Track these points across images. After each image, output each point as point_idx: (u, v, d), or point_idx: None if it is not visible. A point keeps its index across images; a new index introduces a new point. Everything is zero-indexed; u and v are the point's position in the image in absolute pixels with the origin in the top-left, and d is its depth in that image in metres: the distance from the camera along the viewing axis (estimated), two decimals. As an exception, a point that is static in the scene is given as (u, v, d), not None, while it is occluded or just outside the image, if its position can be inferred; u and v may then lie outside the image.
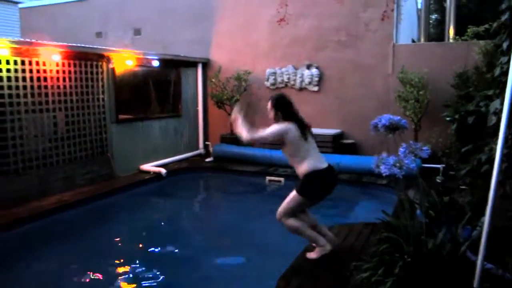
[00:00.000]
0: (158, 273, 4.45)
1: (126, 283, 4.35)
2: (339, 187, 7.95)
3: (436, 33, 15.65)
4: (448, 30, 10.60)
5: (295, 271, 3.97)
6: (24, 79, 6.40)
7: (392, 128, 3.15)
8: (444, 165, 7.40)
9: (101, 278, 4.45)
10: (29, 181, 6.55)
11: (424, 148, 2.94)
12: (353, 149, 8.97)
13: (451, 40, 9.92)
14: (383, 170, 2.81)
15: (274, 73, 9.90)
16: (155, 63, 8.99)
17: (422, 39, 11.29)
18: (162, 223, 6.34)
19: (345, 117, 9.31)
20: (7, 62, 6.17)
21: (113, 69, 7.98)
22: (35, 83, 6.57)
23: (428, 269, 2.96)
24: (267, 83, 9.99)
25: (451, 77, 7.45)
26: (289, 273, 3.92)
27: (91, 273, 4.50)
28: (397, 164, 2.73)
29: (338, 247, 4.50)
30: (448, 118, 6.06)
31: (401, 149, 2.92)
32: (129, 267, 4.70)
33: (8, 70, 6.18)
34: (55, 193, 6.82)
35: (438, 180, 7.34)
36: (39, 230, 5.72)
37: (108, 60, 7.87)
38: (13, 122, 6.30)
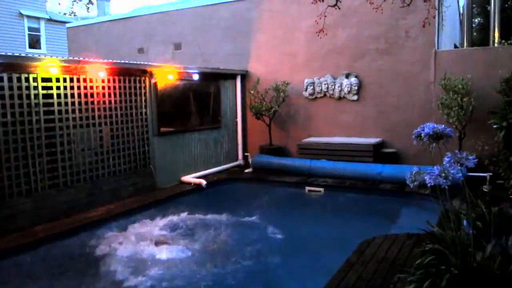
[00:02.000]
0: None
1: None
2: (381, 197, 7.88)
3: (479, 38, 15.18)
4: (493, 34, 10.26)
5: (338, 283, 3.92)
6: (72, 95, 6.71)
7: (436, 137, 3.07)
8: (491, 174, 7.13)
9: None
10: (77, 193, 6.82)
11: (470, 157, 2.85)
12: (395, 158, 8.79)
13: (496, 45, 9.61)
14: (428, 180, 2.75)
15: (313, 83, 9.89)
16: (195, 77, 9.19)
17: (465, 44, 10.98)
18: (206, 233, 6.39)
19: (386, 125, 9.16)
20: (57, 80, 6.48)
21: (155, 84, 8.22)
22: (82, 99, 6.87)
23: (477, 283, 2.86)
24: (306, 93, 9.99)
25: (497, 83, 7.20)
26: (332, 284, 3.88)
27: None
28: (443, 174, 2.67)
29: (382, 258, 4.42)
30: (495, 126, 5.85)
31: (446, 159, 2.85)
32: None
33: (58, 88, 6.50)
34: (102, 204, 7.06)
35: (485, 190, 7.07)
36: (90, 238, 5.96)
37: (151, 75, 8.12)
38: (62, 137, 6.59)
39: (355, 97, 9.44)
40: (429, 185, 2.76)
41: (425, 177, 2.75)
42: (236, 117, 10.68)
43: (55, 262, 5.30)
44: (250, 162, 10.14)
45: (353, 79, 9.40)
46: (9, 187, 5.91)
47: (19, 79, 5.98)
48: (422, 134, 3.22)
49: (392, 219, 6.63)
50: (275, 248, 5.67)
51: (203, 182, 8.53)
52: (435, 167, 2.74)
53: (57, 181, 6.54)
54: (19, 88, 5.99)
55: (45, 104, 6.32)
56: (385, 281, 3.91)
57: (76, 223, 6.27)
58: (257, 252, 5.41)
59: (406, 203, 7.30)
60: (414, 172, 3.12)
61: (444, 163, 2.79)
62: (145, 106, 8.05)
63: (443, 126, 3.20)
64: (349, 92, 9.47)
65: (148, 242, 5.62)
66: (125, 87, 7.61)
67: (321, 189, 8.25)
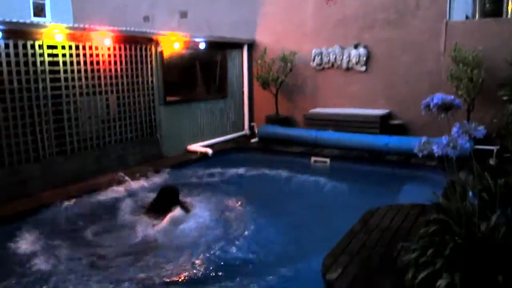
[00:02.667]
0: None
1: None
2: (387, 169, 7.89)
3: (492, 9, 14.82)
4: (506, 6, 10.01)
5: (342, 250, 3.98)
6: (78, 63, 6.68)
7: (445, 107, 3.04)
8: (498, 147, 7.09)
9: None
10: (85, 161, 6.88)
11: (479, 128, 2.83)
12: (402, 130, 8.75)
13: (509, 16, 9.38)
14: (435, 150, 2.73)
15: (320, 53, 9.76)
16: (202, 46, 9.09)
17: (477, 15, 10.74)
18: (210, 200, 6.45)
19: (394, 97, 9.08)
20: (63, 47, 6.44)
21: (161, 52, 8.15)
22: (88, 67, 6.84)
23: (481, 252, 2.89)
24: (313, 64, 9.87)
25: (509, 55, 7.06)
26: (336, 251, 3.94)
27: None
28: (451, 144, 2.65)
29: (386, 227, 4.47)
30: (505, 98, 5.78)
31: (454, 129, 2.83)
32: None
33: (63, 55, 6.46)
34: (109, 171, 7.13)
35: (492, 163, 7.04)
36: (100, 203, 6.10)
37: (157, 44, 8.04)
38: (69, 105, 6.61)
39: (363, 68, 9.33)
40: (436, 154, 2.75)
41: (433, 147, 2.73)
42: (242, 87, 10.62)
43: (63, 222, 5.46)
44: (256, 132, 10.15)
45: (361, 50, 9.27)
46: (17, 154, 5.97)
47: (24, 46, 5.95)
48: (431, 105, 3.19)
49: (397, 190, 6.65)
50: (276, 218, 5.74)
51: (209, 151, 8.58)
52: (444, 137, 2.73)
53: (64, 148, 6.60)
54: (25, 55, 5.97)
55: (51, 72, 6.31)
56: (388, 249, 3.96)
57: (85, 189, 6.35)
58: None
59: (412, 175, 7.31)
60: (423, 141, 3.10)
61: (452, 133, 2.77)
62: (151, 75, 8.01)
63: (452, 97, 3.17)
64: (357, 63, 9.35)
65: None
66: (131, 55, 7.55)
67: (327, 160, 8.27)
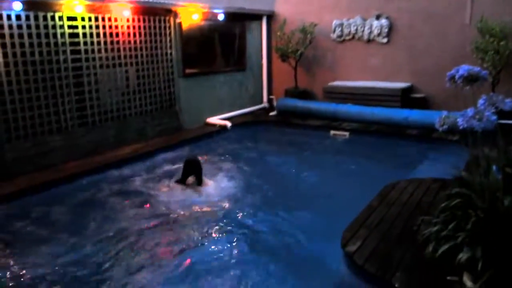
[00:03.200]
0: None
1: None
2: (407, 142, 7.81)
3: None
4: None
5: (361, 223, 3.99)
6: (98, 35, 6.68)
7: (471, 79, 2.96)
8: (523, 121, 6.91)
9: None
10: (105, 132, 6.97)
11: (507, 100, 2.75)
12: (423, 103, 8.59)
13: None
14: (460, 122, 2.67)
15: (341, 25, 9.56)
16: (220, 17, 8.98)
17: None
18: (228, 173, 6.51)
19: (416, 70, 8.88)
20: (82, 19, 6.44)
21: (180, 24, 8.09)
22: (108, 39, 6.84)
23: (503, 226, 2.86)
24: (333, 35, 9.69)
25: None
26: (355, 225, 3.94)
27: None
28: (477, 116, 2.59)
29: (406, 201, 4.44)
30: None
31: (480, 101, 2.75)
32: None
33: (83, 27, 6.47)
34: (129, 143, 7.22)
35: (516, 137, 6.89)
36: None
37: (176, 15, 7.97)
38: (89, 77, 6.65)
39: (385, 40, 9.12)
40: (461, 127, 2.69)
41: (458, 119, 2.68)
42: (261, 60, 10.51)
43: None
44: (275, 105, 10.10)
45: (383, 21, 9.04)
46: (40, 125, 6.07)
47: (45, 18, 5.96)
48: (456, 76, 3.11)
49: (417, 164, 6.59)
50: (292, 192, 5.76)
51: (228, 124, 8.59)
52: (469, 109, 2.66)
53: (85, 120, 6.68)
54: (45, 26, 5.98)
55: (71, 44, 6.34)
56: (408, 223, 3.95)
57: (107, 160, 6.47)
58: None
59: (433, 149, 7.20)
60: (443, 115, 3.04)
61: (478, 105, 2.70)
62: (170, 47, 7.98)
63: (478, 68, 3.08)
64: (378, 34, 9.14)
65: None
66: (150, 27, 7.52)
67: (346, 133, 8.21)
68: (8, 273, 3.73)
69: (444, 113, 2.97)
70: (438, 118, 3.01)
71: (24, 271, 3.75)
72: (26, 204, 5.12)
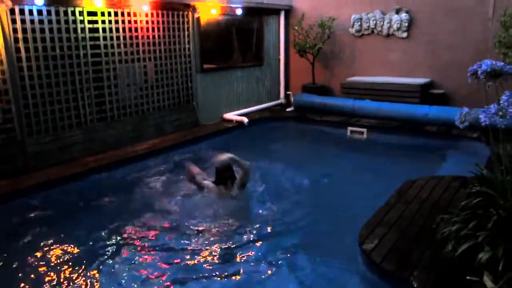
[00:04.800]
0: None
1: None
2: (426, 140, 7.70)
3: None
4: None
5: (379, 221, 3.94)
6: (117, 30, 6.74)
7: (494, 74, 2.89)
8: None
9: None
10: (124, 127, 7.04)
11: (531, 96, 2.68)
12: (443, 100, 8.45)
13: None
14: (483, 119, 2.61)
15: (360, 19, 9.44)
16: (238, 12, 8.96)
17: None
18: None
19: (436, 65, 8.72)
20: (102, 14, 6.50)
21: (198, 19, 8.10)
22: (127, 34, 6.89)
23: (526, 226, 2.80)
24: (352, 30, 9.58)
25: None
26: (372, 222, 3.90)
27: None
28: (500, 113, 2.53)
29: (425, 199, 4.38)
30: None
31: (504, 97, 2.68)
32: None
33: (103, 22, 6.52)
34: (147, 139, 7.28)
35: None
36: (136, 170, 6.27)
37: (194, 10, 7.99)
38: (108, 72, 6.71)
39: (405, 34, 8.98)
40: (483, 123, 2.63)
41: (480, 115, 2.62)
42: (279, 55, 10.46)
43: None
44: (292, 100, 10.05)
45: (403, 15, 8.89)
46: (60, 119, 6.16)
47: (65, 13, 6.03)
48: (478, 72, 3.04)
49: (436, 161, 6.49)
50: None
51: (245, 119, 8.59)
52: (492, 105, 2.60)
53: (104, 115, 6.75)
54: (66, 21, 6.05)
55: (91, 39, 6.40)
56: (427, 220, 3.89)
57: (126, 155, 6.55)
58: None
59: (453, 146, 7.09)
60: (464, 112, 2.98)
61: (501, 101, 2.63)
62: (188, 42, 8.00)
63: (502, 63, 3.00)
64: (398, 29, 9.00)
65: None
66: (168, 22, 7.55)
67: (364, 130, 8.12)
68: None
69: (465, 109, 2.91)
70: (458, 114, 2.95)
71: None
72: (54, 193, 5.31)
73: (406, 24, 8.88)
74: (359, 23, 9.46)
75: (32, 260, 3.93)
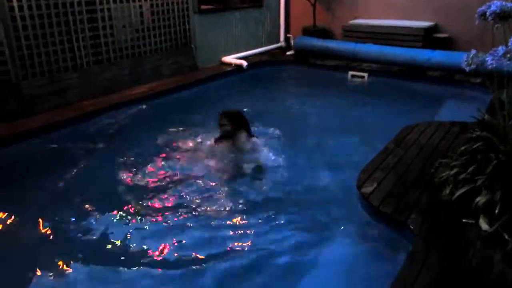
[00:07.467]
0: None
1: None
2: (427, 85, 7.61)
3: None
4: None
5: (377, 165, 3.96)
6: (110, -33, 6.43)
7: (503, 16, 2.79)
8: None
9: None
10: (121, 71, 6.91)
11: (541, 39, 2.60)
12: (447, 44, 8.26)
13: None
14: (489, 61, 2.55)
15: (364, -42, 9.03)
16: (237, -51, 8.55)
17: None
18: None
19: (441, 7, 8.44)
20: (94, -50, 6.18)
21: (195, -44, 7.73)
22: (121, -28, 6.59)
23: (525, 170, 2.81)
24: (356, -30, 9.19)
25: None
26: (371, 166, 3.93)
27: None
28: (508, 55, 2.46)
29: (424, 144, 4.38)
30: None
31: (512, 40, 2.62)
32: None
33: (95, -42, 6.22)
34: (145, 82, 7.17)
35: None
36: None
37: None
38: (103, 12, 6.48)
39: (410, -26, 8.63)
40: (490, 66, 2.57)
41: (487, 58, 2.55)
42: (279, -5, 10.11)
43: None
44: (292, 44, 9.82)
45: (410, -47, 8.51)
46: (56, 62, 6.02)
47: None
48: (487, 13, 2.94)
49: (437, 107, 6.44)
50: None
51: (244, 63, 8.42)
52: (500, 47, 2.53)
53: (100, 57, 6.59)
54: (57, -42, 5.77)
55: (83, -24, 6.13)
56: (426, 165, 3.91)
57: (124, 98, 6.46)
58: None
59: (454, 92, 7.02)
60: (472, 54, 2.90)
61: (509, 44, 2.56)
62: (185, -19, 7.69)
63: (512, 4, 2.90)
64: (404, -32, 8.64)
65: None
66: (163, -41, 7.21)
67: (365, 74, 8.00)
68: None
69: (473, 51, 2.84)
70: (465, 56, 2.87)
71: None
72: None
73: (412, -38, 8.51)
74: (363, -39, 9.05)
75: (33, 205, 3.95)
